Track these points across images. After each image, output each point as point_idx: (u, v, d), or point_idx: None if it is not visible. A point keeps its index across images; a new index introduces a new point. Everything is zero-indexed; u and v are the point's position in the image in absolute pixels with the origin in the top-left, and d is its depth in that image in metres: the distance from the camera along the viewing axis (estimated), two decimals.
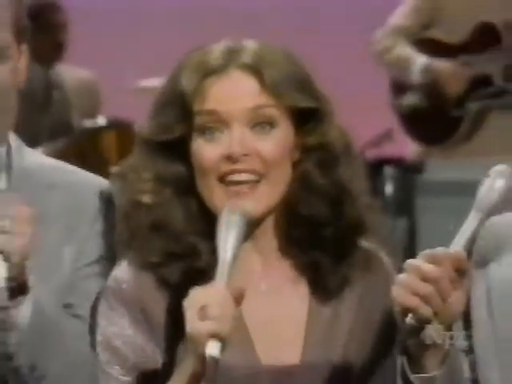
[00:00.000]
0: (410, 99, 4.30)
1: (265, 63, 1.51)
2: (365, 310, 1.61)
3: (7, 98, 1.69)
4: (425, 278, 1.39)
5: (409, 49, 4.22)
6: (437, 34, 4.27)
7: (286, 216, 1.57)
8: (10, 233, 1.53)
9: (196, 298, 1.38)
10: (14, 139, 1.76)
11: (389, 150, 4.60)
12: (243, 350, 1.51)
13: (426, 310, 1.39)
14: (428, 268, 1.38)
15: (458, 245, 1.45)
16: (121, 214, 1.62)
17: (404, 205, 4.26)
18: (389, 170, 4.39)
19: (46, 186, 1.74)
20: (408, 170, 4.39)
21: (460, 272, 1.42)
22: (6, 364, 1.61)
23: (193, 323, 1.37)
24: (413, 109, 4.32)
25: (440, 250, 1.42)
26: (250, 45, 1.54)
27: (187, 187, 1.56)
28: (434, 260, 1.39)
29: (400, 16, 4.25)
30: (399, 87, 4.32)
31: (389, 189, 4.34)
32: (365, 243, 1.62)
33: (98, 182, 1.77)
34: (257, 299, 1.50)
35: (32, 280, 1.58)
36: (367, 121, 4.10)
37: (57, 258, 1.71)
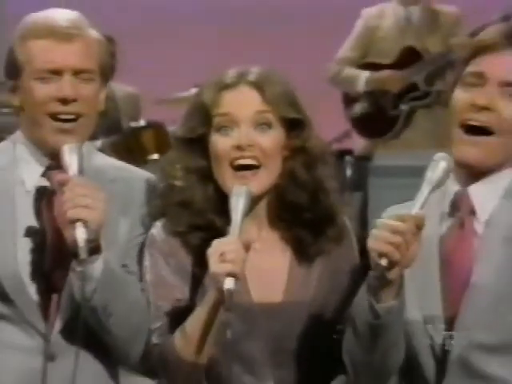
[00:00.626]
0: (358, 108, 5.09)
1: (265, 82, 1.86)
2: (331, 264, 1.92)
3: (93, 111, 1.94)
4: (395, 232, 1.64)
5: (354, 69, 5.03)
6: (373, 59, 5.06)
7: (276, 200, 1.90)
8: (90, 208, 1.77)
9: (217, 247, 1.68)
10: (86, 144, 1.97)
11: (347, 144, 5.34)
12: (241, 291, 1.75)
13: (396, 255, 1.64)
14: (398, 224, 1.65)
15: (415, 208, 1.69)
16: (158, 194, 1.92)
17: (359, 184, 4.88)
18: (348, 159, 5.07)
19: (108, 180, 1.98)
20: (361, 159, 5.11)
21: (418, 228, 1.67)
22: (85, 304, 1.83)
23: (214, 265, 1.67)
24: (360, 115, 5.09)
25: (405, 212, 1.68)
26: (255, 69, 1.89)
27: (207, 175, 1.88)
28: (401, 219, 1.66)
29: (345, 50, 5.07)
30: (349, 100, 5.12)
31: (348, 172, 5.02)
32: (339, 218, 1.94)
33: (146, 175, 2.04)
34: (252, 255, 1.74)
35: (103, 244, 1.82)
36: (333, 123, 4.83)
37: (116, 230, 1.94)
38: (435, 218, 1.85)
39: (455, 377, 1.82)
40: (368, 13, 5.06)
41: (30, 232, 1.93)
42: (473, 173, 1.84)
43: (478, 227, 1.84)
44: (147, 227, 1.95)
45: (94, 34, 1.95)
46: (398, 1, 5.04)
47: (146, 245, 1.92)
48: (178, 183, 1.89)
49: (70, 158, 1.85)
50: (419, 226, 1.68)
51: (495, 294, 1.80)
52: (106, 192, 1.86)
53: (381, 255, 1.65)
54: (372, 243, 1.68)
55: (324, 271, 1.93)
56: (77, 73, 1.91)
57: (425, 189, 1.72)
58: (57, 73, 1.91)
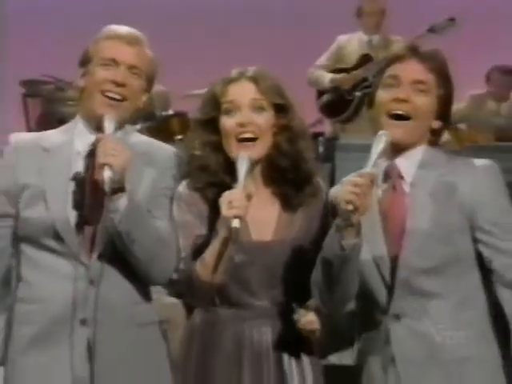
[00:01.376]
0: (324, 99, 6.60)
1: (259, 77, 2.33)
2: (309, 212, 2.39)
3: (135, 100, 2.36)
4: (356, 184, 2.06)
5: (323, 73, 6.54)
6: (340, 65, 6.64)
7: (268, 165, 2.36)
8: (115, 156, 2.16)
9: (226, 197, 2.15)
10: (127, 126, 2.41)
11: (320, 128, 6.77)
12: (243, 231, 2.22)
13: (357, 201, 2.06)
14: (358, 179, 2.08)
15: (368, 168, 2.15)
16: (183, 162, 2.38)
17: (328, 157, 5.70)
18: (320, 139, 6.21)
19: (142, 153, 2.35)
20: (330, 139, 6.32)
21: (371, 182, 2.10)
22: (114, 229, 2.21)
23: (224, 210, 2.14)
24: (326, 103, 6.61)
25: (363, 170, 2.11)
26: (252, 68, 2.37)
27: (218, 146, 2.34)
28: (360, 175, 2.10)
29: (321, 60, 6.63)
30: (319, 94, 6.64)
31: (320, 149, 6.05)
32: (315, 179, 2.39)
33: (172, 149, 2.45)
34: (251, 206, 2.19)
35: (128, 187, 2.21)
36: (310, 113, 5.98)
37: (140, 180, 2.31)
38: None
39: (401, 297, 2.25)
40: (341, 38, 6.64)
41: (77, 179, 2.27)
42: (397, 149, 2.29)
43: (406, 188, 2.30)
44: (169, 184, 2.35)
45: (147, 49, 2.38)
46: (363, 31, 6.61)
47: (174, 198, 2.35)
48: (197, 153, 2.35)
49: (109, 125, 2.25)
50: (372, 180, 2.10)
51: (426, 234, 2.25)
52: (139, 163, 2.27)
53: (347, 202, 2.05)
54: (340, 194, 2.12)
55: (303, 217, 2.38)
56: (130, 68, 2.31)
57: (374, 155, 2.18)
58: (116, 63, 2.31)
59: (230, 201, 2.13)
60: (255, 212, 2.26)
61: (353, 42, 6.56)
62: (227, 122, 2.31)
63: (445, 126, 2.38)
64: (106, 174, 2.16)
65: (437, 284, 2.25)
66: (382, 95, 2.30)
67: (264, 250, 2.32)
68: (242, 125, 2.29)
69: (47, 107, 6.44)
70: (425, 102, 2.29)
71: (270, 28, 8.04)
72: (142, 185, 2.32)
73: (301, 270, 2.30)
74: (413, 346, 2.23)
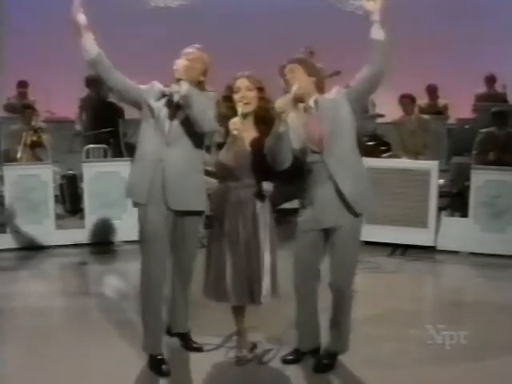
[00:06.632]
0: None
1: (250, 76, 4.54)
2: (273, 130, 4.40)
3: (195, 75, 4.56)
4: (283, 101, 4.16)
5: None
6: None
7: (256, 117, 4.54)
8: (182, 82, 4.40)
9: (231, 122, 4.38)
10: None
11: None
12: (241, 144, 4.50)
13: (284, 109, 4.17)
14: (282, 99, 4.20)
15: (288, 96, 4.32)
16: (218, 112, 4.52)
17: None
18: None
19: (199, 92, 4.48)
20: None
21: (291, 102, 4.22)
22: (183, 106, 4.40)
23: (230, 126, 4.37)
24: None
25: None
26: (247, 71, 4.55)
27: (232, 107, 4.49)
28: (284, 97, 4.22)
29: None
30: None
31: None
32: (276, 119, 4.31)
33: (213, 92, 4.58)
34: (245, 134, 4.48)
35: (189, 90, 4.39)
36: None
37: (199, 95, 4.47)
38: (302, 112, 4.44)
39: (323, 176, 4.33)
40: None
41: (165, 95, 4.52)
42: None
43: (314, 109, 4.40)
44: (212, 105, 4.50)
45: (199, 57, 4.55)
46: None
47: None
48: (222, 110, 4.52)
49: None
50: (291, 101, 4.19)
51: (336, 138, 4.35)
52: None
53: (278, 108, 4.15)
54: (276, 104, 4.19)
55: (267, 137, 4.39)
56: (189, 60, 4.48)
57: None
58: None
59: (233, 123, 4.32)
60: (248, 138, 4.48)
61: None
62: (236, 96, 4.48)
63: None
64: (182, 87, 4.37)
65: (341, 166, 4.39)
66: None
67: (253, 156, 4.46)
68: (242, 98, 4.47)
69: None
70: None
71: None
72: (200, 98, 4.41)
73: (263, 160, 4.37)
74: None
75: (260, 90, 4.44)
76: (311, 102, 4.36)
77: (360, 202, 4.32)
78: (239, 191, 4.46)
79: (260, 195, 4.45)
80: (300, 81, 4.30)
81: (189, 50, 4.46)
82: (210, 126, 4.37)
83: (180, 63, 4.33)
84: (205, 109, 4.30)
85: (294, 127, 4.29)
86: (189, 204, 4.48)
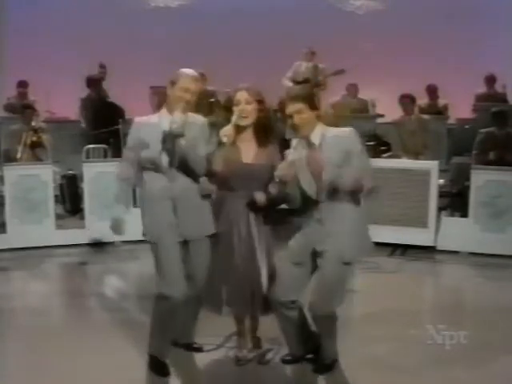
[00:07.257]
0: None
1: (249, 88, 4.58)
2: (271, 150, 4.56)
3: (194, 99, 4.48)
4: (282, 167, 4.24)
5: (287, 81, 10.23)
6: (296, 79, 9.90)
7: (253, 127, 4.58)
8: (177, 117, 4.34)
9: (223, 129, 4.50)
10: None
11: None
12: (239, 157, 4.56)
13: (286, 176, 4.23)
14: (284, 164, 4.32)
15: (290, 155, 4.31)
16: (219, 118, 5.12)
17: None
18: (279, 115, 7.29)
19: (189, 123, 4.41)
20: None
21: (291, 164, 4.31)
22: (181, 153, 4.39)
23: (221, 134, 4.49)
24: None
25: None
26: (246, 84, 4.59)
27: (230, 118, 4.53)
28: (284, 164, 4.28)
29: (289, 73, 10.32)
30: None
31: None
32: (274, 133, 4.65)
33: (203, 119, 4.57)
34: (244, 147, 4.58)
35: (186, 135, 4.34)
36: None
37: (189, 133, 4.35)
38: (300, 149, 4.21)
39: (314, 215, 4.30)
40: (294, 65, 10.53)
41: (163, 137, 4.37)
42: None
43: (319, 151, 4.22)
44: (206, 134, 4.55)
45: (195, 92, 4.44)
46: (303, 59, 10.54)
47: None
48: (219, 120, 4.92)
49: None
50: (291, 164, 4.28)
51: (332, 170, 4.12)
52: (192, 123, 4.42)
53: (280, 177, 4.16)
54: (276, 173, 4.19)
55: (268, 152, 4.55)
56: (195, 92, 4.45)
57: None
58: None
59: (224, 130, 4.45)
60: (246, 148, 4.58)
61: (301, 67, 10.52)
62: (236, 109, 4.52)
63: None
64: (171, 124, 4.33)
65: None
66: None
67: (250, 168, 4.53)
68: (241, 111, 4.52)
69: None
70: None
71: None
72: (191, 132, 4.38)
73: (264, 177, 4.44)
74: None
75: (259, 102, 4.48)
76: (314, 139, 4.21)
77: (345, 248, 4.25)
78: (234, 201, 4.50)
79: (254, 206, 4.46)
80: (309, 123, 4.18)
81: (189, 85, 4.37)
82: (201, 171, 4.42)
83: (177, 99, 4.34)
84: (198, 156, 4.37)
85: (301, 173, 4.19)
86: (201, 231, 4.52)
